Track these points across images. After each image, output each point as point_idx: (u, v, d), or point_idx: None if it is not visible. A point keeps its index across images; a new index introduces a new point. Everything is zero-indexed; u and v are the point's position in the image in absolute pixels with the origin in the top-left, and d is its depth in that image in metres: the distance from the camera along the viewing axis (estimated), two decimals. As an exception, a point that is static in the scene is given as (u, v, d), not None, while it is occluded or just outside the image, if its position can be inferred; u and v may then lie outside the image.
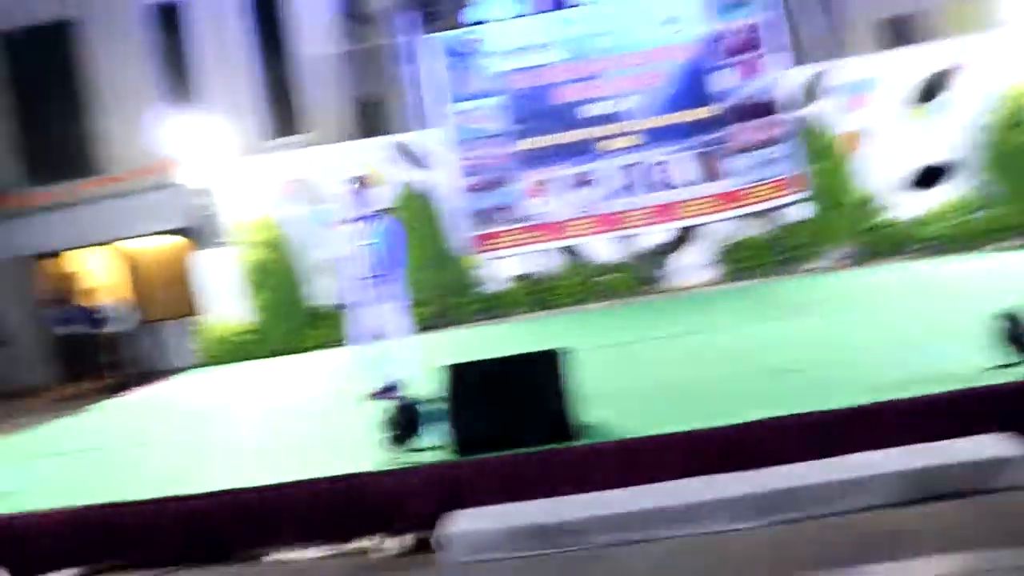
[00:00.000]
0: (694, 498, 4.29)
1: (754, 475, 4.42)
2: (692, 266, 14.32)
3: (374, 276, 7.42)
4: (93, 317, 15.24)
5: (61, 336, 15.31)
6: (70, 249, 18.46)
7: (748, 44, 14.08)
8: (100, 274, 18.37)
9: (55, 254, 18.65)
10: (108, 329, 15.31)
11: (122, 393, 12.57)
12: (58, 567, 5.20)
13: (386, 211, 7.77)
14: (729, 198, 14.10)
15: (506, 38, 14.56)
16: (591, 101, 14.41)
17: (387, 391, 7.42)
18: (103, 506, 5.23)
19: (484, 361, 5.40)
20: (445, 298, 14.08)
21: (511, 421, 4.96)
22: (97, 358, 15.34)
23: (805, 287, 11.70)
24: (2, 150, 18.69)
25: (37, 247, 18.50)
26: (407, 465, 5.02)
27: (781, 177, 13.95)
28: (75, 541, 5.19)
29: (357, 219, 7.49)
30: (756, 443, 4.58)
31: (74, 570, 5.18)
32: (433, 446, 5.15)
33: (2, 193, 18.36)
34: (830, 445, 4.49)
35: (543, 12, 14.45)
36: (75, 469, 6.72)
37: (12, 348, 18.32)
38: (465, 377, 5.22)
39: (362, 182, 7.64)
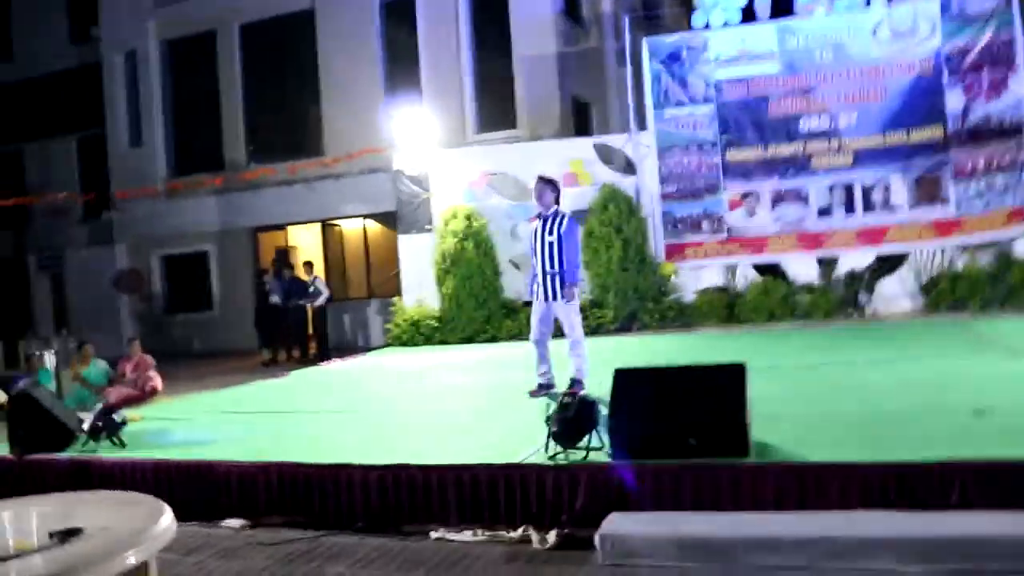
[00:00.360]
0: (863, 532, 4.11)
1: (929, 517, 4.19)
2: (898, 294, 13.63)
3: (549, 273, 7.58)
4: (304, 290, 16.19)
5: (272, 304, 16.33)
6: (287, 225, 19.72)
7: (988, 62, 13.14)
8: (313, 250, 19.50)
9: (274, 228, 19.96)
10: (315, 302, 16.22)
11: (320, 363, 13.33)
12: (232, 515, 5.61)
13: (577, 211, 7.89)
14: (949, 226, 13.30)
15: (724, 45, 14.32)
16: (806, 115, 13.97)
17: (544, 388, 7.63)
18: (280, 465, 5.59)
19: (661, 368, 5.38)
20: (637, 302, 14.06)
21: (682, 429, 4.91)
22: (302, 328, 16.28)
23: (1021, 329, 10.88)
24: (234, 130, 20.16)
25: (258, 220, 19.88)
26: (570, 463, 5.07)
27: (1012, 207, 13.01)
28: (249, 493, 5.58)
29: (541, 216, 7.67)
30: (937, 484, 4.33)
31: (242, 520, 5.57)
32: (599, 447, 5.19)
33: (232, 169, 19.82)
34: (1017, 497, 4.19)
35: (763, 22, 14.12)
36: (268, 427, 7.20)
37: (228, 312, 19.77)
38: (633, 381, 5.23)
39: (547, 181, 7.78)
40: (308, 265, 16.68)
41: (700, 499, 4.69)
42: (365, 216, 18.93)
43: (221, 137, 20.24)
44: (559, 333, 7.90)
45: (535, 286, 7.70)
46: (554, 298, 7.61)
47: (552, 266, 7.57)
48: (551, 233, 7.58)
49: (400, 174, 15.54)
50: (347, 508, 5.35)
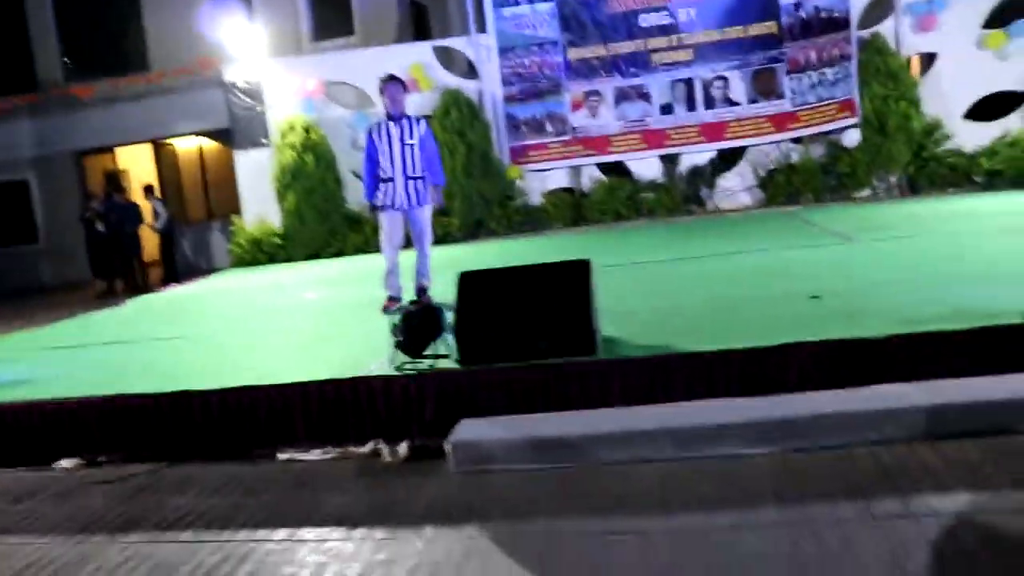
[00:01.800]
0: (706, 420, 4.19)
1: (771, 401, 4.30)
2: (738, 189, 14.03)
3: (411, 178, 7.36)
4: (137, 214, 15.41)
5: (102, 232, 15.49)
6: (113, 147, 18.63)
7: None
8: (146, 172, 18.56)
9: (101, 151, 18.82)
10: (149, 227, 15.50)
11: (158, 290, 12.78)
12: (67, 455, 5.29)
13: (424, 116, 7.60)
14: (784, 120, 13.69)
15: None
16: (645, 12, 13.98)
17: (397, 302, 7.43)
18: (115, 397, 5.28)
19: (504, 269, 5.31)
20: (484, 208, 13.99)
21: (529, 331, 4.88)
22: (138, 255, 15.54)
23: (853, 215, 11.39)
24: (46, 44, 18.70)
25: (82, 143, 18.67)
26: (417, 372, 4.99)
27: (841, 99, 13.46)
28: (83, 430, 5.26)
29: (394, 119, 7.37)
30: (777, 368, 4.45)
31: (76, 459, 5.26)
32: (446, 355, 5.13)
33: (46, 88, 18.44)
34: (853, 375, 4.35)
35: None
36: (101, 360, 6.81)
37: (57, 244, 18.66)
38: (478, 285, 5.16)
39: (399, 81, 7.50)
40: (148, 189, 15.88)
41: (550, 400, 4.69)
42: (199, 133, 18.08)
43: (31, 53, 18.75)
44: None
45: (392, 194, 7.36)
46: (418, 203, 7.39)
47: (415, 170, 7.34)
48: (411, 136, 7.33)
49: (232, 87, 14.86)
50: (191, 436, 5.12)
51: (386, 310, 7.31)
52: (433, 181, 7.50)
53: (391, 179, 7.34)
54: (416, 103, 14.26)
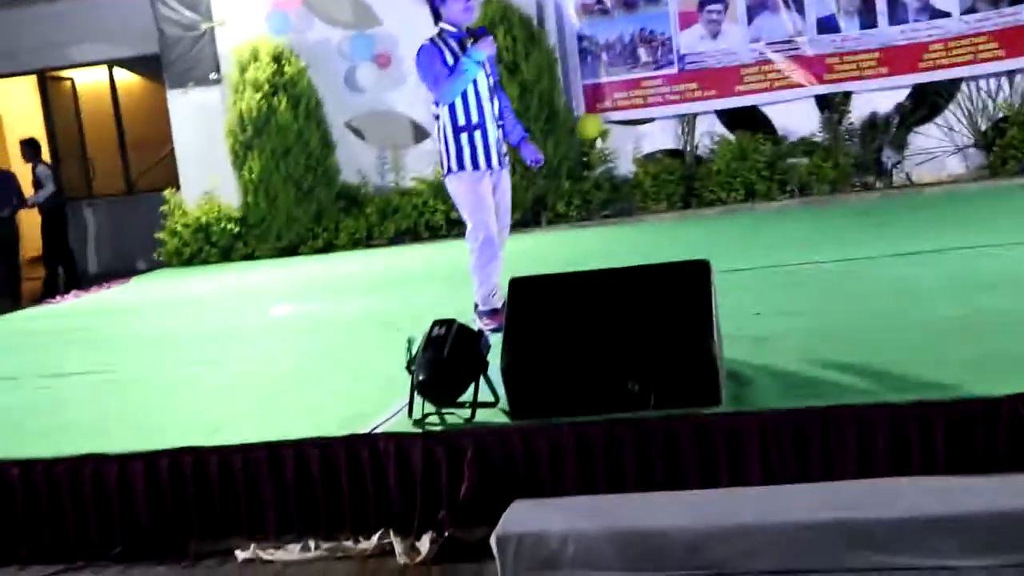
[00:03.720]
0: (898, 511, 4.18)
1: (994, 483, 4.29)
2: (943, 149, 13.90)
3: (499, 127, 7.54)
4: (10, 188, 15.63)
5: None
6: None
7: None
8: (26, 117, 18.77)
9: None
10: (34, 204, 15.70)
11: (48, 301, 12.96)
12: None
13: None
14: (1018, 39, 13.58)
15: None
16: None
17: (497, 314, 7.40)
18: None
19: (577, 275, 5.35)
20: (547, 181, 14.03)
21: (615, 367, 4.89)
22: (12, 248, 15.75)
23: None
24: None
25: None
26: (447, 428, 5.03)
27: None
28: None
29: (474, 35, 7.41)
30: (995, 429, 4.42)
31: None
32: (491, 402, 5.16)
33: None
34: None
35: None
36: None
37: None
38: (537, 298, 5.19)
39: None
40: (29, 145, 16.05)
41: (649, 474, 4.69)
42: (112, 63, 18.28)
43: None
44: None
45: (484, 149, 7.44)
46: (505, 163, 7.62)
47: (499, 116, 7.56)
48: (491, 68, 7.53)
49: (161, -4, 15.05)
50: (99, 524, 5.19)
51: (490, 329, 7.12)
52: (518, 136, 7.73)
53: (479, 126, 7.42)
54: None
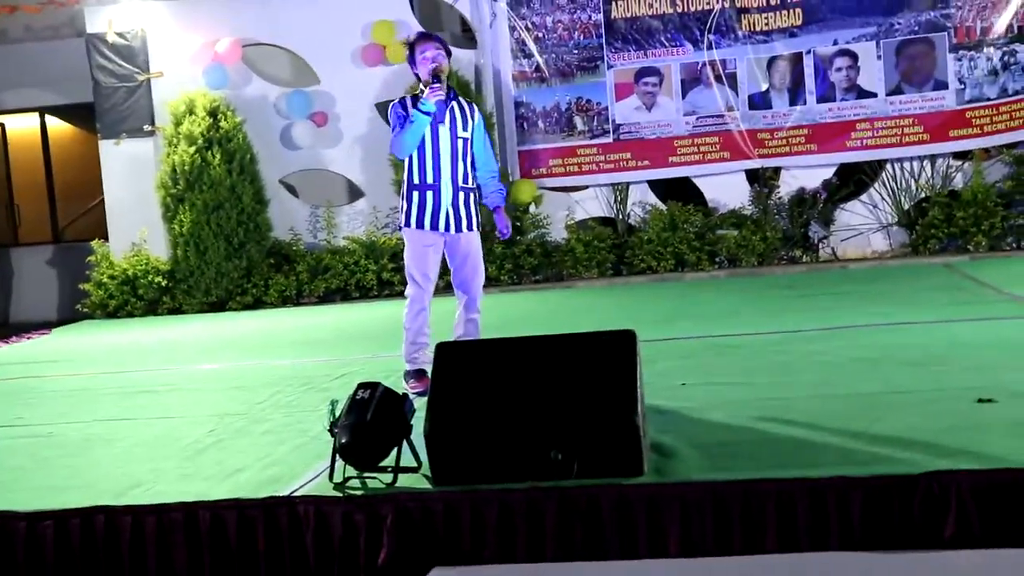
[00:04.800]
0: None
1: (921, 559, 4.30)
2: (869, 226, 14.06)
3: (462, 189, 7.55)
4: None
5: None
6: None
7: None
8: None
9: None
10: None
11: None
12: None
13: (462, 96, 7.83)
14: (945, 122, 13.76)
15: None
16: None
17: (421, 376, 7.43)
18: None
19: (503, 341, 5.36)
20: (482, 244, 13.99)
21: (538, 435, 4.90)
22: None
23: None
24: None
25: None
26: (368, 492, 5.00)
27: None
28: None
29: (444, 97, 7.49)
30: (927, 507, 4.42)
31: None
32: (413, 467, 5.15)
33: None
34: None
35: None
36: None
37: None
38: (461, 363, 5.20)
39: (437, 41, 7.68)
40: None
41: (570, 543, 4.66)
42: (43, 110, 18.15)
43: None
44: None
45: (432, 209, 7.50)
46: (468, 226, 7.58)
47: (466, 179, 7.58)
48: (465, 127, 7.56)
49: (99, 41, 14.96)
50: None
51: (415, 392, 7.22)
52: (492, 201, 7.80)
53: (432, 187, 7.48)
54: (381, 80, 14.39)
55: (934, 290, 10.80)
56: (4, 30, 16.95)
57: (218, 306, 14.34)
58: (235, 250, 14.32)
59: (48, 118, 18.15)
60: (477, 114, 7.70)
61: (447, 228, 7.50)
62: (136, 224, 14.77)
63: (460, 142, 7.50)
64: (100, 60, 14.97)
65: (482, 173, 7.72)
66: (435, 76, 7.39)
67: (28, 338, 13.26)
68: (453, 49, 14.23)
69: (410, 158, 7.44)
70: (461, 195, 7.50)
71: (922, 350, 7.62)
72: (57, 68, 16.64)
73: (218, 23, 14.85)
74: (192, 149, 14.23)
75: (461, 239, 7.57)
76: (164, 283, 14.48)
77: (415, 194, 7.49)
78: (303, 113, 14.67)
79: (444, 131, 7.44)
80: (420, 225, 7.49)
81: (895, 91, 13.89)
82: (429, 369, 7.12)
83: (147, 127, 14.84)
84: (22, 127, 18.62)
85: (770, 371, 7.39)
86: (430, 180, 7.46)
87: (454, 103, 7.54)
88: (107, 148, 15.16)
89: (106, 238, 15.10)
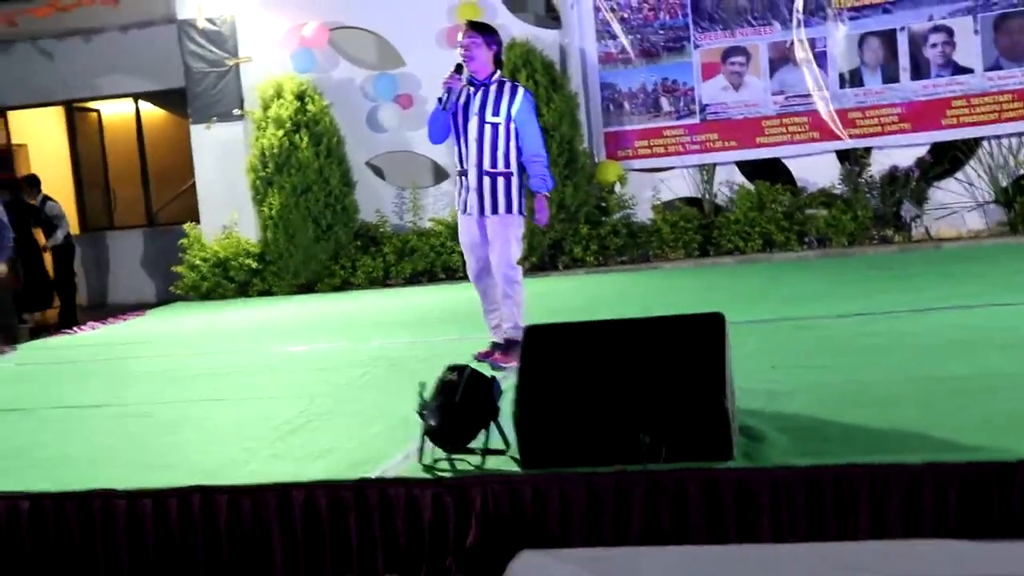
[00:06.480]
0: (917, 574, 4.13)
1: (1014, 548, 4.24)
2: (963, 205, 13.86)
3: (488, 173, 7.74)
4: (38, 215, 15.67)
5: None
6: (7, 109, 18.93)
7: None
8: (53, 149, 18.84)
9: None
10: (55, 245, 15.73)
11: (65, 331, 12.98)
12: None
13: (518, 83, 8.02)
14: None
15: None
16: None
17: (495, 349, 7.86)
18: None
19: (591, 324, 5.34)
20: (565, 225, 14.02)
21: (627, 419, 4.89)
22: (38, 281, 15.79)
23: None
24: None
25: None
26: (457, 474, 5.02)
27: None
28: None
29: (475, 84, 7.72)
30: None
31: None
32: (501, 449, 5.18)
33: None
34: None
35: None
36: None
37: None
38: (549, 346, 5.19)
39: (482, 29, 7.88)
40: (29, 182, 16.02)
41: (658, 526, 4.66)
42: (137, 95, 18.38)
43: None
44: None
45: (462, 193, 7.90)
46: (493, 211, 7.78)
47: (494, 163, 7.74)
48: (496, 111, 7.70)
49: (190, 28, 15.11)
50: (107, 563, 5.17)
51: (482, 358, 7.70)
52: (532, 185, 7.87)
53: (462, 172, 7.88)
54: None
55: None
56: (100, 19, 17.16)
57: (307, 288, 14.43)
58: (323, 232, 14.41)
59: (141, 104, 18.40)
60: (519, 97, 7.75)
61: (473, 211, 7.82)
62: (227, 207, 14.91)
63: (488, 128, 7.68)
64: (191, 46, 15.12)
65: (525, 157, 7.81)
66: (457, 66, 7.68)
67: (124, 319, 13.45)
68: (538, 30, 14.40)
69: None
70: (487, 179, 7.73)
71: (1018, 333, 7.49)
72: (150, 55, 16.87)
73: (304, 7, 14.92)
74: (280, 132, 14.32)
75: (486, 223, 7.81)
76: (254, 265, 14.60)
77: (458, 179, 7.94)
78: (389, 96, 14.72)
79: (473, 117, 7.69)
80: (459, 207, 7.95)
81: (993, 67, 13.64)
82: (496, 337, 7.85)
83: (236, 111, 14.96)
84: (117, 113, 18.90)
85: (861, 353, 7.33)
86: (462, 166, 7.84)
87: (490, 88, 7.71)
88: (198, 132, 15.32)
89: (198, 221, 15.26)
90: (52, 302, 15.99)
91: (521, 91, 7.81)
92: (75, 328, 13.16)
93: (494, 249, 7.79)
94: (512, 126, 7.68)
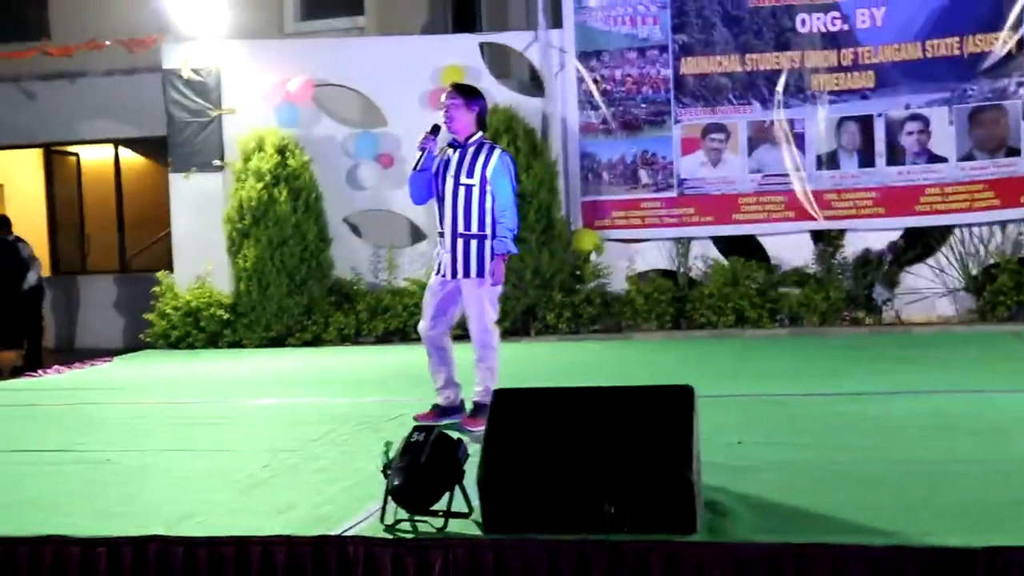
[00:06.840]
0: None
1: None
2: (933, 291, 13.92)
3: (461, 236, 7.74)
4: (14, 256, 15.61)
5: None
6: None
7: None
8: (28, 190, 18.80)
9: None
10: (27, 281, 15.66)
11: (29, 375, 12.90)
12: None
13: (495, 144, 8.14)
14: (1017, 188, 13.60)
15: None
16: (805, 10, 14.07)
17: (445, 412, 7.93)
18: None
19: (560, 391, 5.33)
20: (539, 292, 14.02)
21: (592, 487, 4.86)
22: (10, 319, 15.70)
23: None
24: None
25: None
26: (419, 536, 4.97)
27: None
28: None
29: (454, 146, 7.79)
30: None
31: None
32: (465, 512, 5.12)
33: None
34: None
35: None
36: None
37: None
38: (517, 411, 5.18)
39: (465, 92, 7.97)
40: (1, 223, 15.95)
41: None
42: (118, 141, 18.37)
43: None
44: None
45: (440, 259, 7.90)
46: (465, 274, 7.77)
47: (468, 225, 7.73)
48: (471, 173, 7.71)
49: (174, 77, 15.12)
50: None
51: (421, 418, 7.74)
52: (493, 246, 7.80)
53: (440, 233, 7.91)
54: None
55: (1000, 359, 10.66)
56: (85, 64, 17.17)
57: (278, 341, 14.35)
58: (297, 287, 14.37)
59: (121, 150, 18.41)
60: (495, 158, 7.76)
61: (448, 275, 7.82)
62: (201, 257, 14.84)
63: (462, 189, 7.71)
64: (175, 95, 15.11)
65: (496, 214, 7.78)
66: (434, 127, 7.76)
67: (91, 364, 13.36)
68: (521, 97, 14.46)
69: None
70: (460, 242, 7.73)
71: (985, 420, 7.53)
72: (133, 101, 16.90)
73: (291, 63, 14.96)
74: (259, 185, 14.31)
75: (460, 286, 7.81)
76: (226, 316, 14.53)
77: (439, 240, 7.95)
78: (370, 154, 14.74)
79: (449, 179, 7.75)
80: (435, 269, 7.93)
81: (966, 157, 13.77)
82: (440, 399, 7.94)
83: (216, 162, 14.94)
84: (96, 158, 18.91)
85: (829, 433, 7.34)
86: (441, 227, 7.87)
87: (467, 150, 7.76)
88: (177, 181, 15.27)
89: (171, 269, 15.21)
90: (22, 343, 15.89)
91: (497, 152, 7.83)
92: (39, 371, 13.08)
93: (470, 313, 7.81)
94: (488, 188, 7.70)
